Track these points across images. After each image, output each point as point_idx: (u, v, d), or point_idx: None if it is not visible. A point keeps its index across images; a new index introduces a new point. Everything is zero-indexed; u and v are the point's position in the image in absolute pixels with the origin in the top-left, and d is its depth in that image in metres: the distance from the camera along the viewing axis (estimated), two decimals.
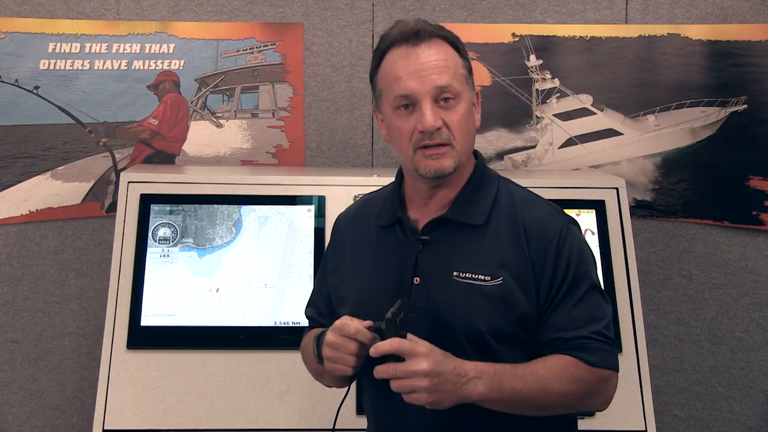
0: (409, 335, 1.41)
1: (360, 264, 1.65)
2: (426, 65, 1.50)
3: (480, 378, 1.41)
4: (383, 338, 1.39)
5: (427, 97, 1.49)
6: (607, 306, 1.57)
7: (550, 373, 1.46)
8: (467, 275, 1.52)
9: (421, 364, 1.36)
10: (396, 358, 1.38)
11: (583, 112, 2.95)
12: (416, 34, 1.51)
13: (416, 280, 1.55)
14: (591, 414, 2.11)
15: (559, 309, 1.52)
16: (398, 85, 1.51)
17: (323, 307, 1.72)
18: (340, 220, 1.76)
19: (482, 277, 1.52)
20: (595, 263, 1.61)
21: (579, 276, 1.53)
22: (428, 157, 1.51)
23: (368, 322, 1.44)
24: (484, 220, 1.55)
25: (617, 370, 1.54)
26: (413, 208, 1.61)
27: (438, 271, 1.54)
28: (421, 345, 1.38)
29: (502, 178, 1.65)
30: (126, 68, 2.85)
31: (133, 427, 2.22)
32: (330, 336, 1.46)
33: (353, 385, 1.73)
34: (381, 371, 1.38)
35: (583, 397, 1.51)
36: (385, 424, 1.63)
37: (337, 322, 1.46)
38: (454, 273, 1.53)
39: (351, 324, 1.44)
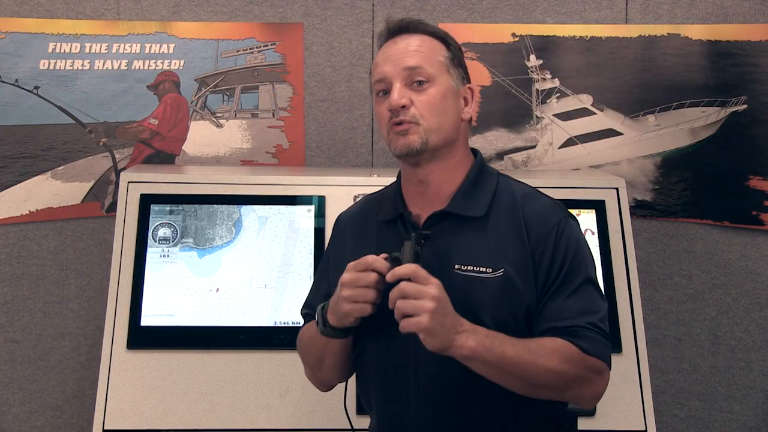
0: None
1: None
2: (399, 50, 1.56)
3: (474, 333, 1.44)
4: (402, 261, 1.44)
5: (397, 78, 1.55)
6: (603, 302, 1.58)
7: (542, 348, 1.48)
8: (469, 268, 1.54)
9: (431, 288, 1.40)
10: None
11: (583, 112, 2.95)
12: (398, 29, 1.59)
13: None
14: (591, 413, 2.12)
15: (554, 299, 1.53)
16: (376, 71, 1.58)
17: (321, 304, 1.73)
18: (341, 219, 1.77)
19: (484, 270, 1.53)
20: (593, 261, 1.62)
21: (575, 268, 1.54)
22: (397, 134, 1.55)
23: (384, 254, 1.48)
24: (484, 212, 1.57)
25: (610, 365, 1.54)
26: (412, 202, 1.63)
27: (440, 265, 1.55)
28: (435, 279, 1.43)
29: (502, 175, 1.67)
30: (126, 68, 2.85)
31: (133, 427, 2.22)
32: (346, 275, 1.49)
33: (351, 386, 1.73)
34: (396, 289, 1.41)
35: (573, 382, 1.50)
36: (388, 410, 1.63)
37: (351, 263, 1.50)
38: (456, 266, 1.54)
39: (367, 257, 1.48)
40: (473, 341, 1.43)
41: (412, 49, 1.55)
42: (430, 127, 1.54)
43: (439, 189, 1.60)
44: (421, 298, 1.39)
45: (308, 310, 1.78)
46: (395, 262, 1.46)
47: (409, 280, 1.41)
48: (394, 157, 1.59)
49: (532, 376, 1.47)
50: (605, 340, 1.54)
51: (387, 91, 1.56)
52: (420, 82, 1.54)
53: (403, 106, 1.53)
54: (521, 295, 1.53)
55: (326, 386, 1.74)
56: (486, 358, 1.44)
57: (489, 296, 1.52)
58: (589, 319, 1.52)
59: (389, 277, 1.42)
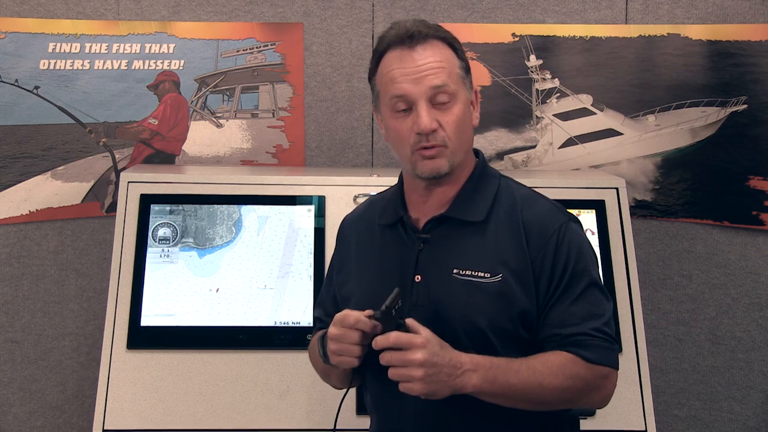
0: (410, 321, 1.42)
1: (364, 263, 1.66)
2: (421, 67, 1.51)
3: (475, 371, 1.43)
4: (383, 327, 1.41)
5: (422, 98, 1.51)
6: (608, 303, 1.57)
7: (547, 368, 1.47)
8: (467, 272, 1.54)
9: (416, 355, 1.38)
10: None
11: (583, 112, 2.95)
12: (412, 37, 1.52)
13: (417, 278, 1.56)
14: (591, 413, 2.11)
15: (558, 305, 1.53)
16: (394, 86, 1.53)
17: (330, 307, 1.74)
18: (346, 221, 1.78)
19: (482, 274, 1.53)
20: (597, 261, 1.62)
21: (578, 273, 1.54)
22: (424, 158, 1.53)
23: (369, 311, 1.46)
24: (483, 217, 1.57)
25: (617, 368, 1.55)
26: (414, 207, 1.63)
27: (438, 269, 1.55)
28: (419, 336, 1.40)
29: (504, 177, 1.66)
30: (126, 68, 2.85)
31: (133, 427, 2.22)
32: (332, 329, 1.49)
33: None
34: (382, 359, 1.41)
35: (581, 394, 1.51)
36: (387, 418, 1.63)
37: (338, 315, 1.49)
38: (454, 270, 1.54)
39: (351, 314, 1.47)
40: (476, 379, 1.43)
41: (434, 65, 1.51)
42: (457, 148, 1.54)
43: (442, 193, 1.60)
44: (408, 366, 1.38)
45: (318, 313, 1.79)
46: (379, 321, 1.42)
47: None
48: (416, 177, 1.57)
49: (539, 398, 1.48)
50: (610, 343, 1.53)
51: (406, 109, 1.53)
52: (442, 101, 1.52)
53: (434, 130, 1.51)
54: (518, 299, 1.52)
55: (338, 389, 1.75)
56: (491, 390, 1.45)
57: (486, 301, 1.52)
58: (594, 324, 1.52)
59: (374, 345, 1.41)
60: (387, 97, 1.55)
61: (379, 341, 1.39)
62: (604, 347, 1.52)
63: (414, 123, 1.51)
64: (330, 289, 1.76)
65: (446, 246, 1.57)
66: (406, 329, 1.41)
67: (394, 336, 1.39)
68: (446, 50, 1.55)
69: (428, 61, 1.51)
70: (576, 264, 1.54)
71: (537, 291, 1.53)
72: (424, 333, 1.41)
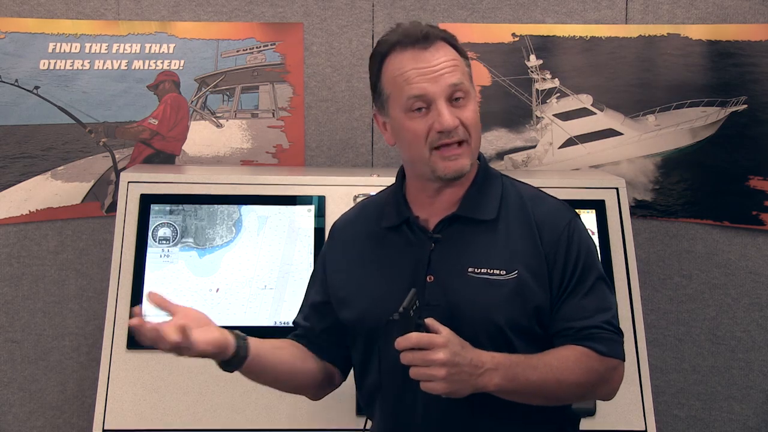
0: (429, 321, 1.42)
1: (365, 266, 1.65)
2: (437, 66, 1.52)
3: (496, 369, 1.44)
4: (402, 329, 1.39)
5: (441, 97, 1.51)
6: (613, 296, 1.62)
7: (563, 363, 1.49)
8: (482, 270, 1.55)
9: (438, 354, 1.37)
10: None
11: (583, 112, 2.95)
12: (425, 37, 1.53)
13: (429, 278, 1.56)
14: (592, 413, 2.12)
15: (570, 299, 1.55)
16: (411, 87, 1.52)
17: (308, 311, 1.75)
18: (338, 225, 1.77)
19: (498, 272, 1.55)
20: (598, 256, 1.65)
21: (587, 267, 1.57)
22: (446, 158, 1.53)
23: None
24: (495, 215, 1.58)
25: (624, 359, 1.58)
26: (420, 207, 1.63)
27: (453, 268, 1.56)
28: (440, 336, 1.40)
29: (505, 176, 1.68)
30: (126, 68, 2.85)
31: (133, 427, 2.22)
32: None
33: (354, 385, 1.73)
34: (403, 359, 1.40)
35: (594, 387, 1.55)
36: (392, 418, 1.63)
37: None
38: (469, 269, 1.55)
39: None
40: (498, 378, 1.44)
41: (449, 63, 1.52)
42: (476, 145, 1.56)
43: (451, 193, 1.60)
44: (431, 366, 1.38)
45: (299, 317, 1.77)
46: (395, 324, 1.39)
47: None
48: (435, 179, 1.56)
49: (556, 393, 1.51)
50: (618, 336, 1.57)
51: (422, 108, 1.52)
52: (458, 98, 1.53)
53: (456, 127, 1.52)
54: (534, 295, 1.54)
55: (313, 399, 1.76)
56: (511, 388, 1.46)
57: (503, 298, 1.53)
58: (604, 317, 1.55)
59: (396, 346, 1.39)
60: (402, 98, 1.53)
61: (400, 342, 1.39)
62: (613, 340, 1.55)
63: (434, 121, 1.51)
64: (309, 297, 1.75)
65: (459, 245, 1.58)
66: (425, 329, 1.41)
67: (415, 337, 1.38)
68: (453, 51, 1.57)
69: (442, 60, 1.53)
70: (585, 259, 1.57)
71: (550, 286, 1.56)
72: (445, 332, 1.41)
